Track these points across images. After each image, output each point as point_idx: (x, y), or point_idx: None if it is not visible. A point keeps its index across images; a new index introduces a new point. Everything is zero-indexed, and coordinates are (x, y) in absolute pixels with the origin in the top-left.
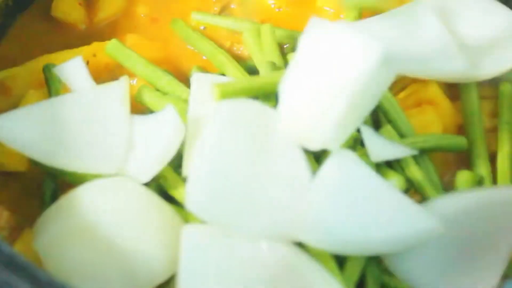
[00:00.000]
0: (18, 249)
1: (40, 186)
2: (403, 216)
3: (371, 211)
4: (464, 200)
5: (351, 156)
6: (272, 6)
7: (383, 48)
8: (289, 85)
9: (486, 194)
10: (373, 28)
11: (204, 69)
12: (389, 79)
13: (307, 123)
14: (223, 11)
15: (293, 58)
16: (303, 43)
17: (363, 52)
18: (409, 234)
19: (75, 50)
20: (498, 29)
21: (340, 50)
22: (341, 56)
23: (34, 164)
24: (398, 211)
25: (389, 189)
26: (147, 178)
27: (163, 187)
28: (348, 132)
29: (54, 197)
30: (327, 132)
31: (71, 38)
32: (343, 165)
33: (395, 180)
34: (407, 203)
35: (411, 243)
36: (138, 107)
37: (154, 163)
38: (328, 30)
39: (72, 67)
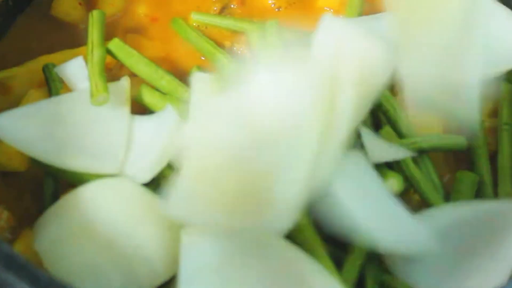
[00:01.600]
0: (18, 249)
1: (40, 186)
2: (396, 225)
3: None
4: (464, 210)
5: (355, 156)
6: (272, 6)
7: (388, 49)
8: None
9: (487, 206)
10: (379, 26)
11: (204, 69)
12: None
13: None
14: (223, 11)
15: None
16: (316, 41)
17: (371, 52)
18: (399, 243)
19: (75, 50)
20: (498, 29)
21: (350, 49)
22: (350, 54)
23: (34, 164)
24: (393, 219)
25: (387, 195)
26: (147, 178)
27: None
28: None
29: (55, 197)
30: None
31: (71, 38)
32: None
33: (394, 180)
34: (403, 212)
35: (401, 251)
36: (138, 107)
37: (154, 163)
38: (341, 29)
39: (72, 67)
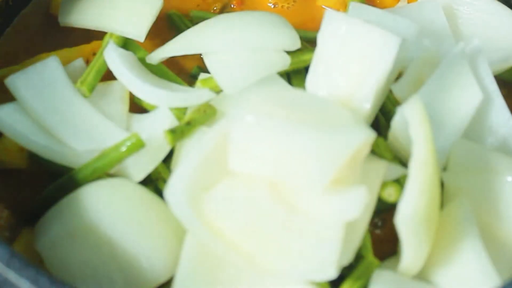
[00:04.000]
0: (17, 248)
1: (40, 185)
2: None
3: None
4: None
5: None
6: (272, 5)
7: (400, 40)
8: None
9: None
10: (385, 22)
11: (204, 69)
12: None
13: None
14: (223, 10)
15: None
16: (322, 36)
17: (384, 45)
18: None
19: (75, 48)
20: (498, 28)
21: (362, 44)
22: (364, 50)
23: (34, 162)
24: None
25: None
26: (141, 176)
27: (161, 188)
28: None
29: (55, 197)
30: None
31: (71, 36)
32: None
33: (392, 189)
34: None
35: None
36: (135, 106)
37: (148, 161)
38: (347, 25)
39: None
